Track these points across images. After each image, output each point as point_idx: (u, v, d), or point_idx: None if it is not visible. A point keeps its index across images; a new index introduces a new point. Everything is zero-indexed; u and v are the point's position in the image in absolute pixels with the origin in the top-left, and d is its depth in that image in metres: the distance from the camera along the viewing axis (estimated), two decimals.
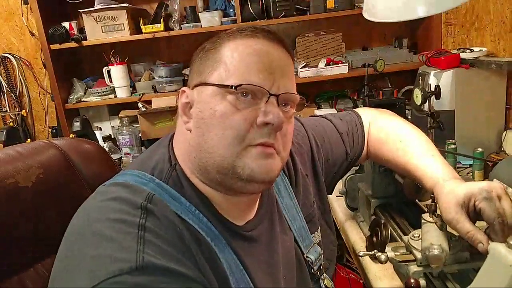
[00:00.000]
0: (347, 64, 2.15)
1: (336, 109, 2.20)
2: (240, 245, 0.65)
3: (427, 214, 0.78)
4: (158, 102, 2.09)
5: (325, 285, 0.80)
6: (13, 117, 2.47)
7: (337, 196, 1.32)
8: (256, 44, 0.64)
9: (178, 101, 0.69)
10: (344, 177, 1.22)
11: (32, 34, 2.37)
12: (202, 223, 0.62)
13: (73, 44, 2.11)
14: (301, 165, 0.84)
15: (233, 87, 0.61)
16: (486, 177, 1.33)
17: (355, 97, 2.28)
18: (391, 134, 0.93)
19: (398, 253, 0.83)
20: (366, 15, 1.21)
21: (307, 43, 2.21)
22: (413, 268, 0.78)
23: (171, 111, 2.01)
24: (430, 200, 0.80)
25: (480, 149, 1.38)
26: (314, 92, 2.41)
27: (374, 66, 1.92)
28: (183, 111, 0.67)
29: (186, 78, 2.35)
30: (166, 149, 0.68)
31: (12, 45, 2.41)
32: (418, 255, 0.77)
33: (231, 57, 0.63)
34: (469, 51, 1.60)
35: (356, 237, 1.14)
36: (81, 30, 2.18)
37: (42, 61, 2.35)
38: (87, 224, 0.55)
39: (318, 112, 2.12)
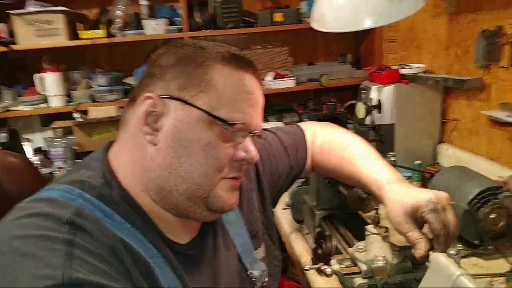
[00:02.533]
0: (294, 78, 2.17)
1: (283, 122, 2.20)
2: (182, 263, 0.63)
3: (371, 225, 0.78)
4: (96, 112, 1.97)
5: None
6: None
7: (283, 209, 1.31)
8: (248, 81, 0.65)
9: (138, 107, 0.62)
10: (291, 190, 1.21)
11: None
12: (138, 241, 0.58)
13: (2, 48, 1.95)
14: (246, 180, 0.82)
15: (228, 123, 0.61)
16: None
17: (301, 111, 2.30)
18: (334, 144, 0.93)
19: (343, 266, 0.82)
20: (314, 25, 1.22)
21: (255, 55, 2.21)
22: (358, 280, 0.77)
23: (111, 122, 1.91)
24: (374, 211, 0.79)
25: (418, 161, 1.43)
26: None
27: (319, 81, 1.95)
28: (145, 120, 0.61)
29: (127, 87, 2.26)
30: (100, 162, 0.63)
31: None
32: (363, 267, 0.77)
33: (223, 85, 0.62)
34: (408, 67, 1.66)
35: (302, 250, 1.12)
36: (11, 33, 2.02)
37: None
38: (5, 242, 0.49)
39: (265, 125, 2.11)
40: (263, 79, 2.19)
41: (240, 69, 0.64)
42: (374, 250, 0.76)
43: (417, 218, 0.71)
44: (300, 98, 2.38)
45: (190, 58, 0.63)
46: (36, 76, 2.03)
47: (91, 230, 0.52)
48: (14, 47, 1.97)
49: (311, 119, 2.01)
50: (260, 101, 0.68)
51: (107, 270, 0.50)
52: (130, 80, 2.28)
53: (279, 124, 2.17)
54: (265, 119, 2.27)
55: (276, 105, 2.38)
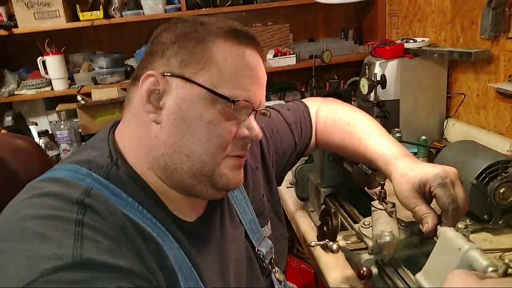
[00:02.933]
0: (294, 55, 2.14)
1: (284, 101, 2.18)
2: (190, 242, 0.62)
3: (377, 201, 0.78)
4: (99, 94, 1.96)
5: (276, 278, 0.78)
6: None
7: (287, 187, 1.31)
8: (250, 56, 0.63)
9: (139, 86, 0.60)
10: (294, 168, 1.20)
11: None
12: (146, 219, 0.58)
13: (3, 32, 1.93)
14: (251, 158, 0.82)
15: (231, 101, 0.60)
16: None
17: (303, 89, 2.27)
18: (338, 120, 0.92)
19: (349, 242, 0.82)
20: None
21: (255, 33, 2.17)
22: (365, 256, 0.77)
23: (113, 104, 1.90)
24: (380, 187, 0.79)
25: (424, 137, 1.42)
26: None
27: (321, 58, 1.92)
28: (148, 98, 0.60)
29: (128, 68, 2.24)
30: (106, 142, 0.62)
31: None
32: (370, 243, 0.76)
33: (224, 61, 0.61)
34: (412, 41, 1.63)
35: (307, 227, 1.13)
36: (11, 16, 1.99)
37: None
38: (16, 222, 0.49)
39: (266, 103, 2.09)
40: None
41: (241, 44, 0.63)
42: (380, 226, 0.76)
43: (424, 193, 0.70)
44: (301, 76, 2.35)
45: (191, 34, 0.61)
46: (39, 60, 2.01)
47: (100, 210, 0.51)
48: (15, 30, 1.94)
49: (314, 96, 1.99)
50: (263, 77, 0.66)
51: (117, 250, 0.49)
52: (131, 62, 2.26)
53: (281, 103, 2.15)
54: (267, 98, 2.26)
55: (277, 84, 2.36)
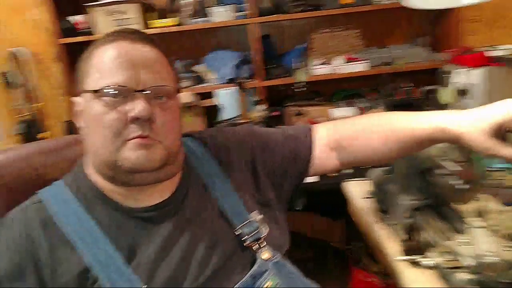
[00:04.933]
0: (365, 62, 2.10)
1: (353, 108, 2.14)
2: (136, 224, 0.72)
3: (476, 218, 0.74)
4: None
5: (261, 257, 0.77)
6: (25, 111, 2.42)
7: (364, 198, 1.27)
8: (116, 46, 0.70)
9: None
10: (375, 178, 1.17)
11: (43, 29, 2.31)
12: (71, 212, 0.71)
13: (83, 38, 2.06)
14: (240, 159, 0.86)
15: (100, 91, 0.67)
16: None
17: (372, 97, 2.22)
18: (367, 125, 0.89)
19: (443, 259, 0.78)
20: (406, 3, 1.16)
21: (323, 39, 2.16)
22: (464, 275, 0.73)
23: (185, 108, 1.96)
24: (475, 201, 0.75)
25: None
26: (330, 91, 2.35)
27: (394, 65, 1.87)
28: (75, 119, 0.75)
29: (196, 74, 2.29)
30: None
31: (25, 40, 2.36)
32: (470, 262, 0.72)
33: (98, 62, 0.69)
34: (494, 49, 1.54)
35: (388, 241, 1.09)
36: (91, 23, 2.12)
37: (53, 55, 2.30)
38: None
39: (335, 111, 2.06)
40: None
41: (110, 42, 0.70)
42: (483, 245, 0.72)
43: (502, 136, 0.67)
44: (371, 83, 2.29)
45: (83, 55, 0.73)
46: None
47: (21, 218, 0.70)
48: (95, 37, 2.06)
49: (384, 104, 1.94)
50: (137, 60, 0.69)
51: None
52: (199, 68, 2.32)
53: (350, 110, 2.11)
54: (335, 104, 2.22)
55: (345, 90, 2.32)
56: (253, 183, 0.86)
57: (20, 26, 2.35)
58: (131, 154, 0.68)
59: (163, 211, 0.74)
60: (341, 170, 1.01)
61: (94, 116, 0.69)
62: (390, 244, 1.07)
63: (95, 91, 0.68)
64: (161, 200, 0.75)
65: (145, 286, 0.67)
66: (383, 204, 1.18)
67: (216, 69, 2.23)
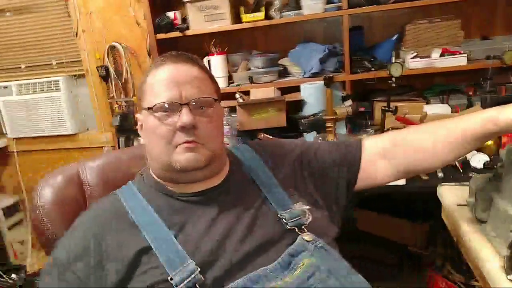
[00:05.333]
0: (465, 55, 1.92)
1: (448, 104, 1.98)
2: (185, 206, 0.87)
3: None
4: (256, 93, 2.05)
5: (303, 238, 0.84)
6: (119, 103, 2.61)
7: (458, 205, 1.17)
8: (164, 69, 0.86)
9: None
10: (474, 186, 1.07)
11: (138, 24, 2.46)
12: (137, 200, 0.88)
13: (177, 34, 2.15)
14: (290, 162, 1.00)
15: (152, 108, 0.85)
16: None
17: (471, 93, 2.03)
18: (413, 132, 0.99)
19: None
20: None
21: (418, 31, 2.01)
22: None
23: (268, 103, 1.96)
24: None
25: None
26: (422, 85, 2.20)
27: (502, 58, 1.68)
28: (140, 131, 0.94)
29: (281, 68, 2.29)
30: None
31: (120, 35, 2.53)
32: None
33: (151, 85, 0.87)
34: None
35: (486, 253, 0.99)
36: (184, 19, 2.21)
37: (147, 50, 2.44)
38: None
39: (427, 108, 1.93)
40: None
41: (159, 66, 0.87)
42: None
43: None
44: (469, 78, 2.09)
45: (142, 78, 0.90)
46: (206, 59, 2.19)
47: (95, 209, 0.90)
48: (187, 32, 2.15)
49: (485, 102, 1.76)
50: (180, 78, 0.85)
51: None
52: (284, 61, 2.31)
53: (444, 107, 1.96)
54: (427, 101, 2.07)
55: (440, 85, 2.15)
56: (300, 182, 0.97)
57: (119, 22, 2.52)
58: (180, 156, 0.85)
59: (209, 196, 0.89)
60: (394, 179, 1.02)
61: (151, 129, 0.87)
62: (488, 258, 0.98)
63: (149, 108, 0.85)
64: (209, 187, 0.90)
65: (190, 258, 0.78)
66: (482, 213, 1.07)
67: (302, 62, 2.20)
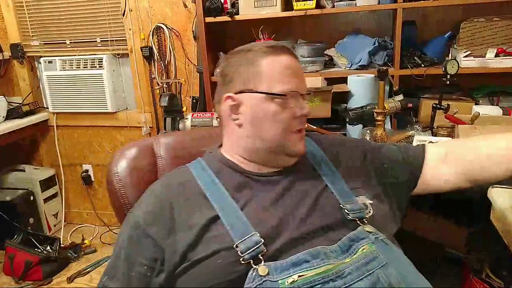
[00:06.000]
0: None
1: (499, 106, 1.93)
2: (256, 184, 0.92)
3: None
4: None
5: (365, 229, 0.86)
6: (160, 85, 2.64)
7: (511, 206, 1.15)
8: (284, 60, 0.91)
9: (223, 106, 0.96)
10: None
11: (185, 6, 2.47)
12: (208, 179, 0.92)
13: (226, 18, 2.14)
14: (354, 157, 1.04)
15: (283, 95, 0.89)
16: None
17: None
18: (477, 139, 1.05)
19: None
20: None
21: (474, 29, 1.96)
22: None
23: (315, 92, 1.94)
24: None
25: None
26: (469, 85, 2.15)
27: None
28: (230, 111, 0.94)
29: (327, 58, 2.26)
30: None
31: (166, 16, 2.54)
32: None
33: (270, 71, 0.90)
34: None
35: None
36: (233, 4, 2.20)
37: (193, 33, 2.45)
38: None
39: (476, 108, 1.88)
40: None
41: (277, 54, 0.91)
42: None
43: None
44: None
45: (245, 60, 0.93)
46: None
47: (167, 180, 0.97)
48: (236, 17, 2.14)
49: None
50: (299, 70, 0.95)
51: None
52: (331, 52, 2.29)
53: (495, 109, 1.91)
54: (476, 101, 2.03)
55: (490, 86, 2.10)
56: (363, 176, 1.00)
57: (165, 3, 2.53)
58: (297, 143, 0.93)
59: (276, 177, 0.94)
60: (458, 186, 1.02)
61: (270, 113, 0.90)
62: None
63: (271, 94, 0.90)
64: (276, 170, 0.96)
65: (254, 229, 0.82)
66: None
67: (349, 54, 2.18)
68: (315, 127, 1.93)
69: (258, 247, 0.78)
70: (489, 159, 0.96)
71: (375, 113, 1.68)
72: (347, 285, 0.75)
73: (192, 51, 2.54)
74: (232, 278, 0.77)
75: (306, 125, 1.90)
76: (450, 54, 1.98)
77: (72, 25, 2.73)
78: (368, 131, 1.74)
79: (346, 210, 0.88)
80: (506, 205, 1.20)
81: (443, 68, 1.67)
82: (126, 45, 2.65)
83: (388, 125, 1.95)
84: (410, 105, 1.96)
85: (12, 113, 2.75)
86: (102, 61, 2.67)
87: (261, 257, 0.78)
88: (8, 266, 2.51)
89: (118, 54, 2.73)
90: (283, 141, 0.91)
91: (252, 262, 0.77)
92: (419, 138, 1.62)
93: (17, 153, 3.11)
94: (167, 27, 2.53)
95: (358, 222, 0.87)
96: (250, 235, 0.80)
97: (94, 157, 3.02)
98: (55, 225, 3.06)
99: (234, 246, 0.79)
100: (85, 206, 3.17)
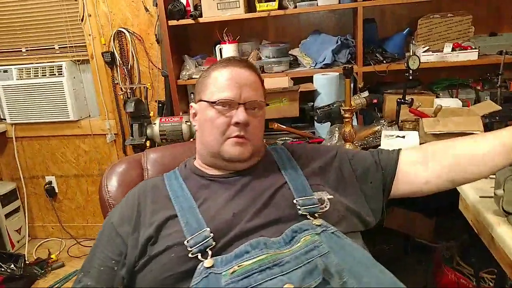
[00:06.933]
0: (476, 50, 1.96)
1: (458, 99, 2.02)
2: (220, 184, 1.00)
3: None
4: (268, 83, 2.04)
5: (313, 223, 0.89)
6: (124, 90, 2.58)
7: (480, 197, 1.21)
8: (229, 70, 1.00)
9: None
10: (503, 177, 1.10)
11: (147, 10, 2.42)
12: (176, 183, 1.02)
13: (189, 21, 2.12)
14: (322, 160, 1.08)
15: (215, 102, 0.98)
16: None
17: (479, 87, 2.07)
18: (450, 141, 1.04)
19: None
20: None
21: (431, 25, 2.04)
22: None
23: (282, 93, 1.96)
24: None
25: None
26: (429, 79, 2.23)
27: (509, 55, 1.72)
28: (192, 119, 1.08)
29: (292, 58, 2.29)
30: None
31: (127, 20, 2.49)
32: None
33: (214, 81, 1.01)
34: None
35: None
36: (196, 6, 2.18)
37: (155, 36, 2.41)
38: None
39: (437, 101, 1.96)
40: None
41: (225, 66, 1.01)
42: None
43: None
44: (476, 74, 2.14)
45: (205, 74, 1.05)
46: (218, 47, 2.17)
47: (143, 185, 1.06)
48: (200, 19, 2.13)
49: (497, 97, 1.81)
50: (243, 80, 0.99)
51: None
52: (295, 52, 2.31)
53: (455, 101, 1.99)
54: (436, 95, 2.11)
55: (448, 79, 2.19)
56: (329, 177, 1.04)
57: (125, 7, 2.48)
58: (230, 148, 0.98)
59: (234, 177, 1.00)
60: (438, 187, 1.05)
61: (208, 119, 0.99)
62: None
63: (212, 102, 0.98)
64: (235, 170, 1.02)
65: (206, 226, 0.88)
66: (510, 206, 1.10)
67: (313, 53, 2.21)
68: (284, 127, 1.95)
69: (206, 241, 0.84)
70: (469, 159, 0.99)
71: (342, 111, 1.71)
72: (284, 272, 0.77)
73: (155, 55, 2.50)
74: (183, 271, 0.83)
75: (276, 125, 1.94)
76: (410, 50, 2.05)
77: (28, 32, 2.63)
78: (336, 129, 1.77)
79: (298, 206, 0.92)
80: (475, 194, 1.26)
81: (406, 63, 1.72)
82: (86, 51, 2.57)
83: (354, 122, 1.99)
84: (375, 101, 2.01)
85: None
86: (61, 69, 2.58)
87: (209, 251, 0.83)
88: None
89: (78, 61, 2.65)
90: (219, 146, 0.98)
91: (200, 256, 0.83)
92: (386, 133, 1.66)
93: None
94: (128, 32, 2.48)
95: (309, 216, 0.90)
96: (201, 231, 0.86)
97: (58, 168, 2.91)
98: (18, 241, 2.92)
99: (186, 241, 0.85)
100: (49, 220, 3.05)
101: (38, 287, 2.50)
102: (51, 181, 2.94)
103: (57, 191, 2.96)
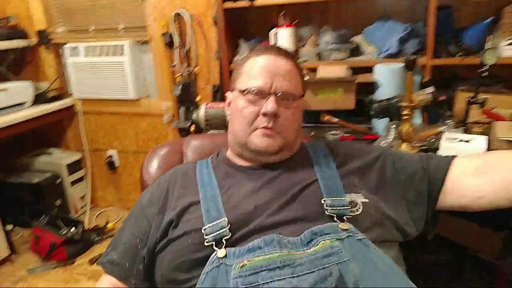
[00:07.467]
0: None
1: None
2: (243, 174, 0.99)
3: None
4: (324, 71, 1.91)
5: (339, 226, 0.82)
6: (180, 73, 2.57)
7: None
8: (264, 57, 0.97)
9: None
10: None
11: None
12: (204, 171, 1.02)
13: (246, 3, 2.04)
14: (362, 160, 1.01)
15: (244, 91, 0.95)
16: None
17: None
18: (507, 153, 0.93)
19: None
20: None
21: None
22: None
23: (337, 82, 1.82)
24: None
25: None
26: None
27: None
28: (227, 108, 1.07)
29: (353, 46, 2.12)
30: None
31: (186, 2, 2.46)
32: None
33: (248, 69, 0.98)
34: None
35: None
36: None
37: (212, 19, 2.36)
38: None
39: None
40: None
41: (259, 54, 0.98)
42: None
43: None
44: None
45: (241, 61, 1.04)
46: (273, 32, 2.07)
47: (175, 169, 1.09)
48: (255, 3, 2.04)
49: None
50: (276, 69, 0.95)
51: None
52: (357, 39, 2.14)
53: None
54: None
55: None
56: (370, 177, 0.97)
57: None
58: (257, 139, 0.95)
59: (263, 170, 0.98)
60: (492, 203, 0.90)
61: (238, 108, 0.97)
62: None
63: (242, 91, 0.96)
64: (263, 163, 0.99)
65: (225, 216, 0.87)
66: None
67: (378, 41, 2.02)
68: (337, 120, 1.81)
69: (223, 231, 0.83)
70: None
71: (401, 107, 1.54)
72: (294, 275, 0.73)
73: (213, 38, 2.46)
74: (197, 257, 0.83)
75: (327, 117, 1.81)
76: (490, 42, 1.79)
77: (96, 12, 2.71)
78: (394, 126, 1.61)
79: (325, 206, 0.86)
80: None
81: (481, 57, 1.50)
82: (147, 32, 2.59)
83: (418, 120, 1.81)
84: (443, 97, 1.79)
85: (39, 98, 2.80)
86: (123, 48, 2.64)
87: (224, 241, 0.82)
88: (35, 245, 2.61)
89: (139, 41, 2.69)
90: (246, 136, 0.96)
91: (214, 244, 0.82)
92: (448, 135, 1.47)
93: (45, 137, 3.17)
94: (187, 13, 2.45)
95: (336, 219, 0.84)
96: (219, 220, 0.85)
97: (119, 143, 3.03)
98: (81, 208, 3.12)
99: (203, 229, 0.85)
100: (110, 191, 3.21)
101: (94, 251, 2.66)
102: (112, 155, 3.07)
103: (117, 165, 3.09)
